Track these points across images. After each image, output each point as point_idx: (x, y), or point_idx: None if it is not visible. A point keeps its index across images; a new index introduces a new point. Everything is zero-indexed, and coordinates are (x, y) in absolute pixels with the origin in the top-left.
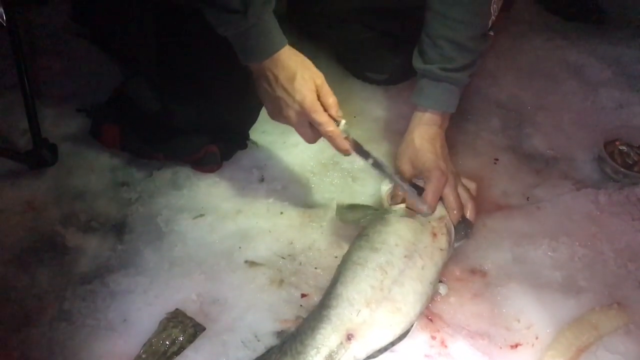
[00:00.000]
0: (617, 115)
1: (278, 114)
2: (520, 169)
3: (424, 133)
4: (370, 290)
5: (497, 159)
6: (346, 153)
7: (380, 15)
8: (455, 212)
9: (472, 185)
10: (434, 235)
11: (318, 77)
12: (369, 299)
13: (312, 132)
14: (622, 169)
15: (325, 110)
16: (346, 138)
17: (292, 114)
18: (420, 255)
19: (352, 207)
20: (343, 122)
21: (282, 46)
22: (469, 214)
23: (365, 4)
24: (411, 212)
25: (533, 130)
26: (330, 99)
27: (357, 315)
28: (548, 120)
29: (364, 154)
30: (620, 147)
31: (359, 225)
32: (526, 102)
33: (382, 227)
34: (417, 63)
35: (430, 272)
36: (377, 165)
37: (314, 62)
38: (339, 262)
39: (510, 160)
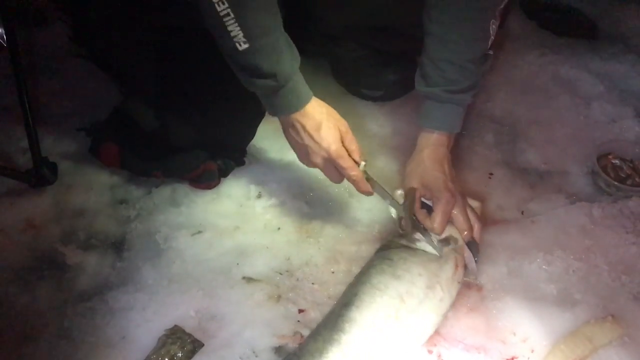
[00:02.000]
0: (610, 130)
1: (306, 159)
2: (514, 183)
3: (433, 154)
4: (385, 318)
5: (491, 174)
6: (368, 194)
7: (374, 33)
8: (465, 233)
9: (476, 204)
10: (456, 267)
11: (342, 124)
12: (383, 327)
13: (337, 174)
14: (615, 183)
15: (349, 154)
16: (367, 179)
17: (319, 160)
18: (442, 287)
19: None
20: (363, 163)
21: (309, 100)
22: (476, 234)
23: (359, 22)
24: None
25: (527, 145)
26: (353, 145)
27: (367, 342)
28: (542, 135)
29: (383, 194)
30: (613, 161)
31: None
32: (520, 117)
33: (408, 256)
34: (421, 86)
35: (446, 305)
36: (394, 205)
37: (310, 80)
38: (336, 278)
39: (504, 174)
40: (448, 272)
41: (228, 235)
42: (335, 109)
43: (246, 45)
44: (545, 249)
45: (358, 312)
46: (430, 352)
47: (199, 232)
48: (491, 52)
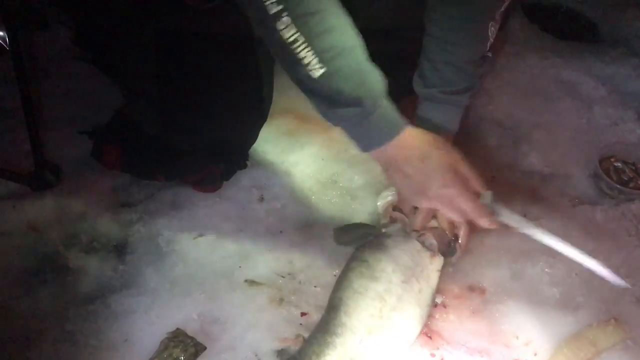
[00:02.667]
0: (612, 132)
1: (419, 197)
2: (517, 186)
3: None
4: (371, 318)
5: (494, 177)
6: (495, 227)
7: (372, 37)
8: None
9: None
10: (431, 257)
11: (454, 154)
12: (370, 327)
13: (458, 210)
14: (617, 186)
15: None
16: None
17: (434, 194)
18: (417, 278)
19: (349, 229)
20: (489, 193)
21: (404, 126)
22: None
23: (358, 27)
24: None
25: (529, 148)
26: (471, 174)
27: (359, 343)
28: (544, 138)
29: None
30: (616, 164)
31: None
32: (522, 120)
33: (381, 255)
34: (418, 87)
35: (427, 294)
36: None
37: None
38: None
39: (507, 177)
40: (422, 263)
41: (230, 239)
42: None
43: (322, 70)
44: (548, 253)
45: (347, 317)
46: (433, 355)
47: (201, 235)
48: (490, 54)
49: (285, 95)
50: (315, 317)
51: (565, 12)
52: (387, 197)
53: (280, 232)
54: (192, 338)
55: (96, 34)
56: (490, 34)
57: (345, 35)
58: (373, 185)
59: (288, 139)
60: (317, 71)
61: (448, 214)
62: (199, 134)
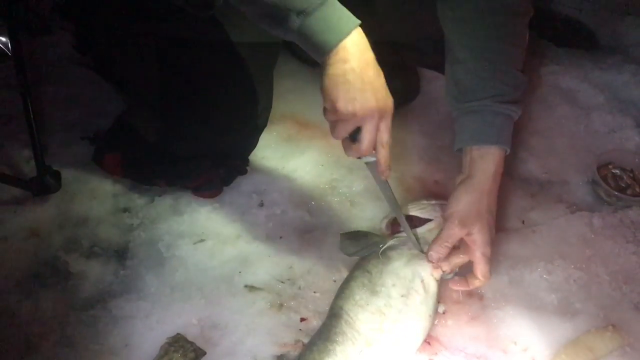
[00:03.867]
0: (610, 139)
1: (353, 104)
2: (515, 192)
3: (493, 182)
4: (371, 332)
5: None
6: (386, 177)
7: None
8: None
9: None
10: (434, 268)
11: None
12: (370, 340)
13: (369, 138)
14: (615, 192)
15: None
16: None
17: (369, 107)
18: (417, 291)
19: (355, 237)
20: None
21: (358, 22)
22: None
23: None
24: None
25: (528, 155)
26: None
27: (359, 353)
28: (542, 145)
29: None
30: (614, 171)
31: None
32: (520, 127)
33: (383, 267)
34: (462, 101)
35: (428, 306)
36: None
37: (312, 89)
38: (337, 286)
39: (505, 184)
40: (423, 273)
41: (230, 244)
42: None
43: None
44: (546, 259)
45: (348, 326)
46: None
47: (202, 240)
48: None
49: (286, 100)
50: (314, 322)
51: (563, 20)
52: (389, 216)
53: (280, 237)
54: (192, 343)
55: (97, 41)
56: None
57: None
58: (372, 191)
59: (288, 144)
60: None
61: (337, 132)
62: (199, 140)
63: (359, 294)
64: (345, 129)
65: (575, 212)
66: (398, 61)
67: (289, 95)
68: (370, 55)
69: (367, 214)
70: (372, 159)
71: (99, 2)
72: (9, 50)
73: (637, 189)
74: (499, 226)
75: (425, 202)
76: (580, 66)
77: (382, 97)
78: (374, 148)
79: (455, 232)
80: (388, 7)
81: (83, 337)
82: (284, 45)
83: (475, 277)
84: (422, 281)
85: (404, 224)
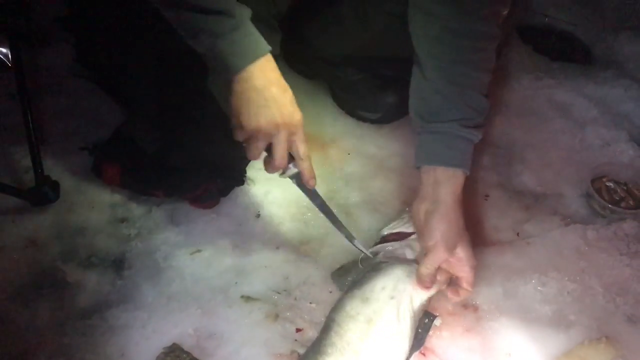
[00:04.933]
0: (604, 153)
1: (250, 120)
2: (510, 205)
3: (456, 202)
4: (359, 341)
5: (487, 195)
6: (311, 186)
7: (372, 61)
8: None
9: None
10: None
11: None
12: (358, 350)
13: (281, 149)
14: (609, 205)
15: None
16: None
17: (270, 125)
18: (406, 293)
19: (346, 271)
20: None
21: (268, 51)
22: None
23: (358, 52)
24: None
25: (522, 167)
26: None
27: None
28: (537, 158)
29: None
30: (607, 184)
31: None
32: (515, 140)
33: (373, 273)
34: (429, 122)
35: (416, 309)
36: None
37: (309, 101)
38: (333, 297)
39: (500, 196)
40: (413, 276)
41: (227, 255)
42: (334, 129)
43: None
44: (540, 271)
45: (337, 337)
46: None
47: (198, 251)
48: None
49: None
50: (310, 333)
51: (558, 34)
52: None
53: (277, 248)
54: (188, 353)
55: (97, 52)
56: (492, 58)
57: None
58: (368, 203)
59: None
60: None
61: (252, 150)
62: (196, 152)
63: (349, 305)
64: (257, 146)
65: (569, 224)
66: (393, 75)
67: None
68: (274, 74)
69: (363, 226)
70: (295, 170)
71: (100, 15)
72: (9, 61)
73: (631, 202)
74: (494, 239)
75: (405, 215)
76: (575, 80)
77: (287, 112)
78: (294, 161)
79: (441, 257)
80: (382, 22)
81: (80, 347)
82: (280, 58)
83: (464, 289)
84: (413, 287)
85: (345, 232)
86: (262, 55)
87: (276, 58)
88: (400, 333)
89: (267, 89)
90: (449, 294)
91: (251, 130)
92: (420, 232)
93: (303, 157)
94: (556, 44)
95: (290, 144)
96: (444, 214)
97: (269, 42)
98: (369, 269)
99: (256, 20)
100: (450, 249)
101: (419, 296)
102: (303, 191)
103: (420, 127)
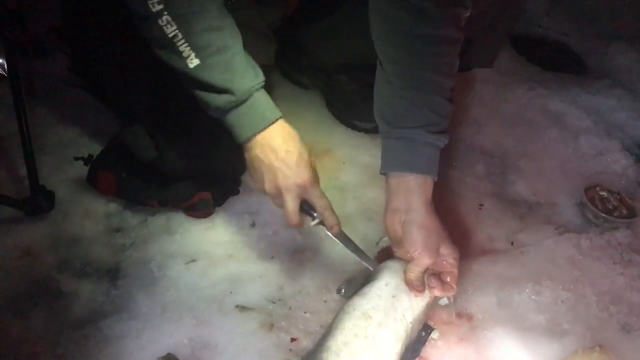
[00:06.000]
0: (597, 162)
1: (270, 184)
2: (504, 214)
3: (428, 206)
4: (355, 339)
5: (481, 205)
6: (336, 231)
7: (366, 69)
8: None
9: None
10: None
11: (312, 156)
12: (354, 350)
13: (296, 208)
14: (602, 214)
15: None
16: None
17: (290, 185)
18: (407, 293)
19: (350, 284)
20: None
21: (276, 119)
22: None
23: (352, 61)
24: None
25: (516, 177)
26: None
27: None
28: (531, 167)
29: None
30: (601, 193)
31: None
32: (509, 149)
33: (375, 275)
34: (395, 127)
35: (415, 312)
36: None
37: (304, 110)
38: (328, 307)
39: (494, 205)
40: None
41: (222, 264)
42: (328, 139)
43: (197, 62)
44: (535, 279)
45: (332, 340)
46: None
47: (193, 260)
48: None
49: None
50: (305, 342)
51: (552, 45)
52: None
53: (272, 257)
54: None
55: (93, 62)
56: (454, 61)
57: (223, 35)
58: (364, 212)
59: None
60: (193, 63)
61: (288, 216)
62: (190, 162)
63: (347, 303)
64: (276, 203)
65: (563, 233)
66: None
67: (285, 117)
68: (279, 140)
69: (359, 234)
70: (317, 220)
71: (95, 25)
72: (4, 71)
73: (624, 211)
74: (488, 247)
75: None
76: (569, 90)
77: (292, 175)
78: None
79: (427, 262)
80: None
81: (74, 357)
82: (277, 69)
83: (449, 284)
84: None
85: (373, 264)
86: (268, 125)
87: (270, 68)
88: (396, 333)
89: (271, 156)
90: (437, 292)
91: (265, 192)
92: (398, 243)
93: (320, 209)
94: (550, 54)
95: (307, 200)
96: (421, 223)
97: (263, 53)
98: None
99: (249, 31)
100: (434, 254)
101: (418, 301)
102: (332, 238)
103: (386, 132)
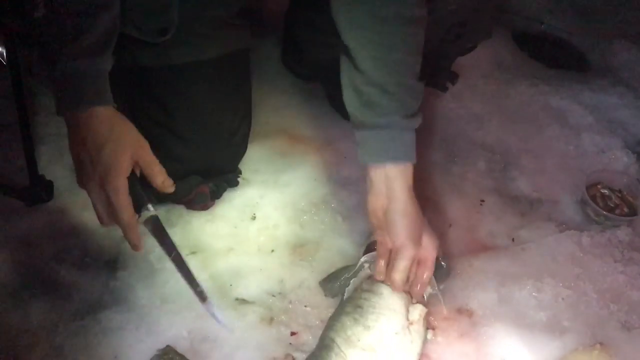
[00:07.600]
0: (599, 160)
1: (82, 180)
2: (505, 210)
3: (410, 197)
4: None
5: (483, 201)
6: (134, 248)
7: None
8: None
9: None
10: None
11: (143, 146)
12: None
13: (109, 213)
14: (604, 212)
15: (151, 180)
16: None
17: (92, 185)
18: (409, 330)
19: (334, 277)
20: (150, 207)
21: (108, 102)
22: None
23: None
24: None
25: (518, 173)
26: (156, 167)
27: None
28: (532, 164)
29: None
30: (602, 191)
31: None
32: (511, 146)
33: (376, 301)
34: (368, 117)
35: (417, 345)
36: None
37: (306, 104)
38: (328, 301)
39: (495, 202)
40: (416, 313)
41: (222, 257)
42: (331, 133)
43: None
44: (535, 277)
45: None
46: None
47: (193, 252)
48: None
49: (280, 115)
50: (305, 336)
51: (554, 41)
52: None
53: (272, 251)
54: (181, 356)
55: None
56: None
57: None
58: (364, 206)
59: (281, 158)
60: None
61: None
62: (184, 160)
63: (351, 330)
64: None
65: (564, 231)
66: None
67: (283, 110)
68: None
69: (359, 227)
70: (149, 214)
71: None
72: (4, 60)
73: (625, 209)
74: (489, 244)
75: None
76: (570, 87)
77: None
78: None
79: (412, 254)
80: None
81: (72, 348)
82: (279, 61)
83: (427, 270)
84: (415, 320)
85: (198, 292)
86: (103, 103)
87: (245, 52)
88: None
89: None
90: (418, 286)
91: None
92: (380, 229)
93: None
94: (552, 51)
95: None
96: (403, 210)
97: (235, 40)
98: (369, 289)
99: (216, 24)
100: (418, 242)
101: (422, 329)
102: (157, 240)
103: (359, 122)
